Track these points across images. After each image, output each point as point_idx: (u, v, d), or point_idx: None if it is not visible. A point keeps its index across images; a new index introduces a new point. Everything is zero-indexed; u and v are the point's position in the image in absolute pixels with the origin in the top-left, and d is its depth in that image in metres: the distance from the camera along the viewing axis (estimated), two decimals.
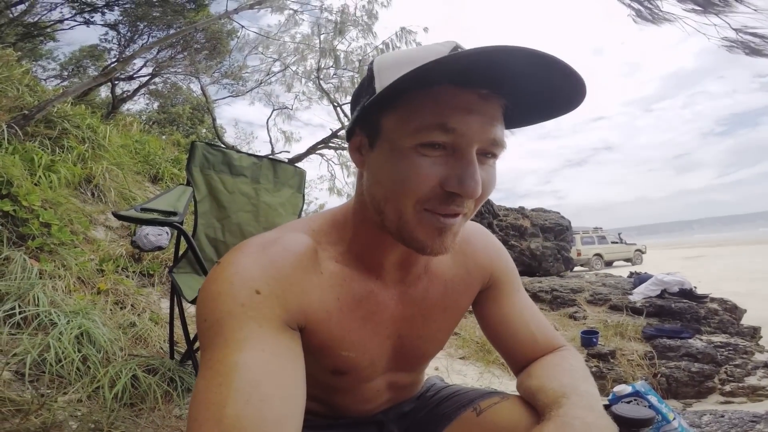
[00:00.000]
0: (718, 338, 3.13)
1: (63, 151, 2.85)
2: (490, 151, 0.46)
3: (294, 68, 8.28)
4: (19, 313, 1.39)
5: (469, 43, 0.44)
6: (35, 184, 2.29)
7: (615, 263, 14.69)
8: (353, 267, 0.55)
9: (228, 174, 1.80)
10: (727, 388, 2.64)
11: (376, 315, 0.57)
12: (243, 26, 7.57)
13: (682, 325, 3.43)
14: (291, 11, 7.00)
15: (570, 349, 0.66)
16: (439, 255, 0.48)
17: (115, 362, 1.33)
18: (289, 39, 7.85)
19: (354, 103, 0.53)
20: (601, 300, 4.25)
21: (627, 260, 15.00)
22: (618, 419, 0.66)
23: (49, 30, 7.19)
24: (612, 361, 2.90)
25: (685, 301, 3.72)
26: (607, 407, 0.78)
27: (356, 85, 0.55)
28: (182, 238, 1.34)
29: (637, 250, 15.24)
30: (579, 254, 13.06)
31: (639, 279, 4.38)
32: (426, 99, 0.43)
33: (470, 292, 0.65)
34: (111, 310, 1.89)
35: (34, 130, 2.67)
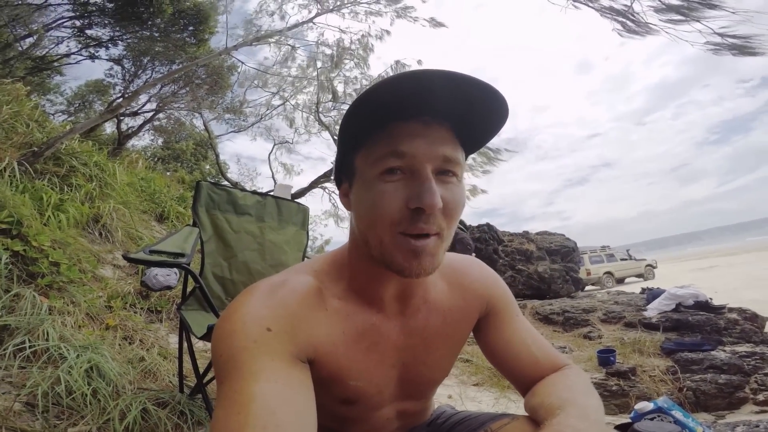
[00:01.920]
0: (743, 348, 3.04)
1: (71, 190, 2.90)
2: (446, 169, 0.51)
3: (293, 102, 8.54)
4: (30, 347, 1.38)
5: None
6: (44, 224, 2.33)
7: (627, 280, 14.44)
8: (355, 302, 0.60)
9: (233, 213, 1.83)
10: (761, 397, 2.54)
11: (380, 345, 0.60)
12: (242, 62, 7.90)
13: (702, 337, 3.34)
14: (289, 47, 7.31)
15: (573, 367, 0.67)
16: (420, 277, 0.51)
17: (125, 395, 1.30)
18: (287, 73, 8.15)
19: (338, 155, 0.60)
20: (615, 318, 4.17)
21: (638, 276, 14.74)
22: None
23: (56, 64, 7.52)
24: (633, 378, 2.80)
25: (702, 313, 3.64)
26: (629, 425, 0.76)
27: None
28: (189, 277, 1.36)
29: (648, 265, 15.01)
30: (589, 274, 12.93)
31: (652, 294, 4.31)
32: (382, 135, 0.50)
33: (469, 321, 0.68)
34: (120, 345, 1.87)
35: (43, 168, 2.74)
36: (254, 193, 1.98)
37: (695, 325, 3.49)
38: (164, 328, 2.45)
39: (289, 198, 2.17)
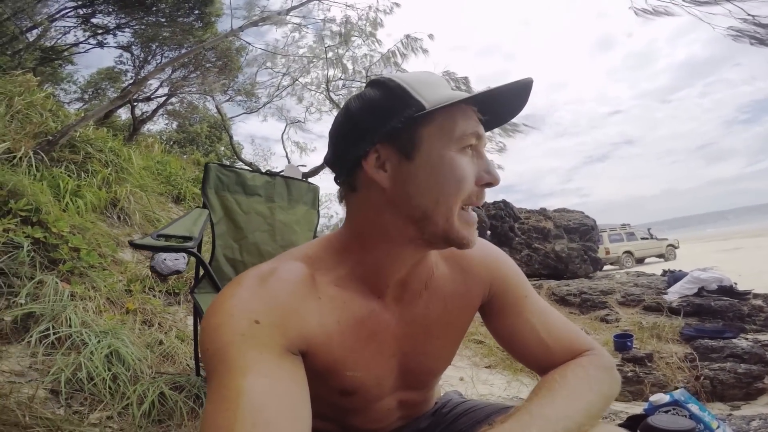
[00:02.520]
0: (766, 336, 2.95)
1: (88, 176, 2.96)
2: None
3: (303, 80, 8.45)
4: (53, 333, 1.44)
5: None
6: (63, 210, 2.38)
7: (647, 260, 14.10)
8: (353, 289, 0.57)
9: (242, 194, 1.82)
10: None
11: (378, 334, 0.58)
12: (249, 44, 7.79)
13: (723, 324, 3.25)
14: (294, 25, 7.15)
15: (592, 354, 0.63)
16: (471, 247, 0.54)
17: (143, 380, 1.34)
18: (296, 52, 8.04)
19: (372, 120, 0.54)
20: (634, 301, 4.08)
21: (659, 256, 14.36)
22: (655, 431, 0.61)
23: (66, 53, 7.56)
24: (649, 364, 2.76)
25: (725, 298, 3.53)
26: (643, 417, 0.73)
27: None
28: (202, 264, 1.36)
29: (669, 245, 14.58)
30: (608, 252, 12.61)
31: (673, 277, 4.19)
32: (458, 113, 0.53)
33: (471, 307, 0.65)
34: (139, 329, 1.93)
35: (59, 156, 2.79)
36: (263, 173, 1.97)
37: (717, 311, 3.39)
38: (182, 311, 2.52)
39: (299, 178, 2.14)
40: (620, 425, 0.76)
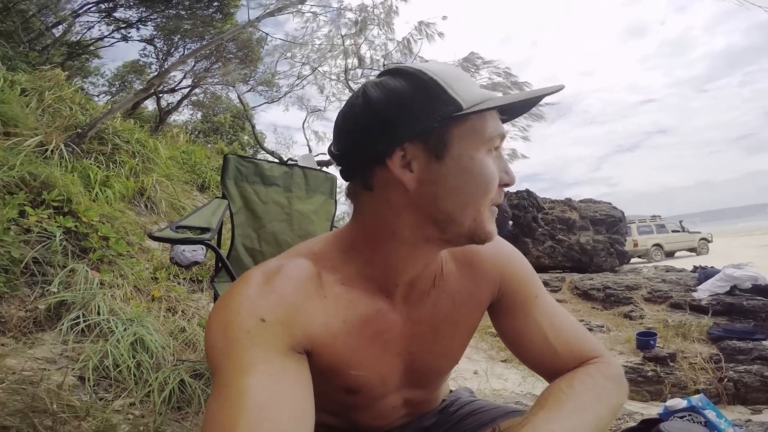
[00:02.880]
0: None
1: (116, 166, 3.08)
2: None
3: (322, 70, 8.43)
4: (83, 321, 1.52)
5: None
6: (93, 200, 2.49)
7: (677, 254, 13.49)
8: (360, 289, 0.56)
9: (261, 184, 1.85)
10: None
11: (385, 333, 0.57)
12: (267, 34, 7.81)
13: (755, 325, 3.10)
14: (311, 14, 7.10)
15: (600, 362, 0.60)
16: (493, 240, 0.54)
17: (165, 368, 1.41)
18: (313, 41, 8.02)
19: (406, 117, 0.49)
20: (661, 297, 3.93)
21: (691, 250, 13.70)
22: None
23: (92, 48, 7.80)
24: (672, 364, 2.67)
25: (759, 297, 3.36)
26: (656, 421, 0.70)
27: None
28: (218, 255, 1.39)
29: (702, 239, 13.87)
30: (636, 245, 12.06)
31: (705, 274, 4.00)
32: (488, 115, 0.52)
33: (480, 305, 0.63)
34: (164, 316, 2.02)
35: (88, 147, 2.91)
36: (281, 163, 2.00)
37: (749, 311, 3.23)
38: (205, 298, 2.61)
39: (315, 167, 2.16)
40: (632, 428, 0.74)
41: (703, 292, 3.69)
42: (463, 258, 0.62)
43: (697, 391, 2.47)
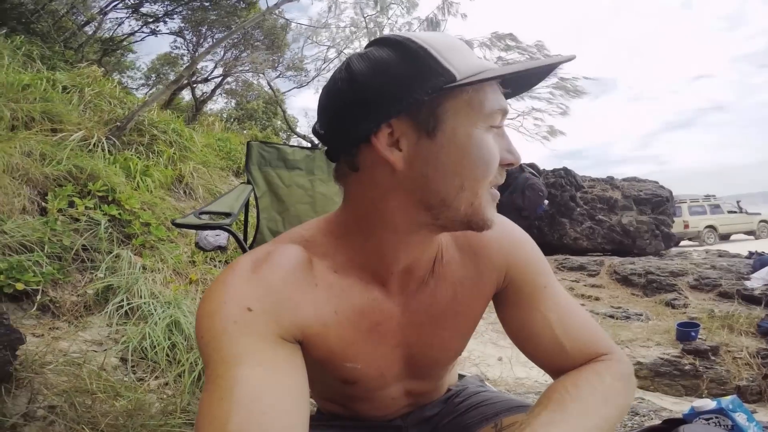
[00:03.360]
0: None
1: (155, 156, 3.25)
2: None
3: (347, 52, 8.35)
4: (127, 304, 1.65)
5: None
6: (135, 189, 2.66)
7: (733, 237, 12.40)
8: (353, 277, 0.53)
9: (284, 168, 1.90)
10: None
11: (381, 325, 0.54)
12: (288, 20, 7.83)
13: None
14: None
15: (610, 360, 0.56)
16: (491, 228, 0.50)
17: (197, 349, 1.51)
18: (337, 24, 7.92)
19: (391, 90, 0.45)
20: (709, 285, 3.66)
21: (749, 233, 12.51)
22: None
23: (125, 43, 8.11)
24: (713, 358, 2.49)
25: None
26: (679, 422, 0.65)
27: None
28: (249, 229, 1.45)
29: (762, 221, 12.63)
30: (686, 226, 11.11)
31: (761, 261, 3.67)
32: (487, 86, 0.47)
33: (483, 294, 0.59)
34: (200, 298, 2.15)
35: (128, 139, 3.08)
36: (303, 147, 2.04)
37: None
38: None
39: None
40: (654, 427, 0.70)
41: (757, 281, 3.40)
42: (467, 243, 0.58)
43: (738, 388, 2.31)
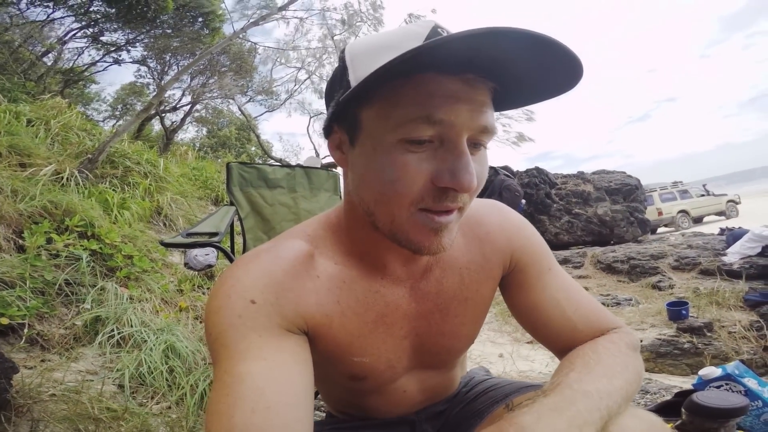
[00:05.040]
0: None
1: (130, 188, 3.17)
2: (479, 141, 0.44)
3: (318, 74, 8.48)
4: (118, 333, 1.58)
5: (471, 21, 0.37)
6: (113, 222, 2.58)
7: (705, 219, 13.03)
8: (355, 268, 0.53)
9: (265, 188, 1.90)
10: None
11: (387, 316, 0.54)
12: (255, 43, 7.89)
13: None
14: (297, 19, 7.15)
15: (619, 332, 0.57)
16: (437, 254, 0.46)
17: (196, 371, 1.46)
18: (306, 45, 8.06)
19: (328, 97, 0.49)
20: (689, 265, 3.79)
21: (719, 214, 13.18)
22: (700, 409, 0.57)
23: (86, 74, 7.95)
24: (709, 334, 2.56)
25: None
26: (690, 392, 0.68)
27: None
28: (235, 255, 1.45)
29: (729, 201, 13.32)
30: (660, 213, 11.66)
31: (732, 236, 3.84)
32: (407, 88, 0.40)
33: (491, 279, 0.59)
34: (192, 324, 2.08)
35: (101, 172, 3.00)
36: (283, 165, 2.04)
37: None
38: None
39: (318, 168, 2.21)
40: (667, 402, 0.71)
41: (733, 256, 3.54)
42: (471, 231, 0.58)
43: (742, 362, 2.37)
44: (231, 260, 1.38)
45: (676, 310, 2.73)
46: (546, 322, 0.57)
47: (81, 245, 2.03)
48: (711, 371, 1.27)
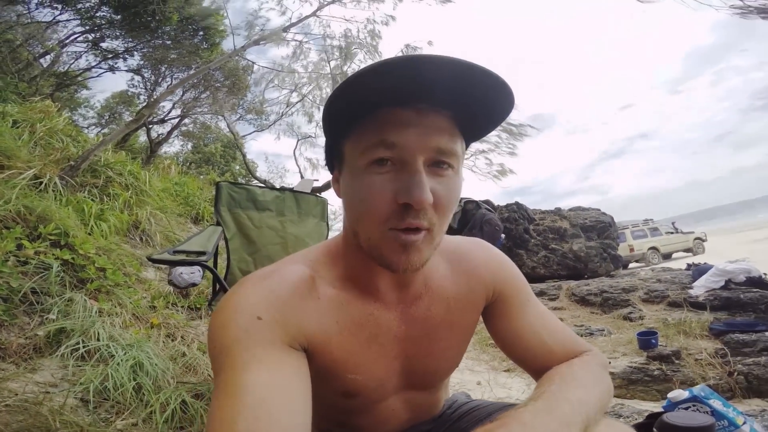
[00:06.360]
0: None
1: (110, 199, 3.10)
2: (441, 161, 0.49)
3: (311, 97, 8.62)
4: (83, 347, 1.51)
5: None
6: (88, 234, 2.50)
7: (674, 255, 13.62)
8: (351, 291, 0.58)
9: (254, 210, 1.90)
10: None
11: (379, 337, 0.58)
12: (253, 62, 8.01)
13: (756, 317, 3.11)
14: (297, 42, 7.34)
15: (590, 354, 0.63)
16: (407, 272, 0.50)
17: (167, 389, 1.40)
18: (301, 69, 8.22)
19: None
20: (658, 297, 3.95)
21: (687, 251, 13.84)
22: (671, 429, 0.61)
23: (80, 79, 7.85)
24: (677, 362, 2.65)
25: (755, 290, 3.38)
26: (661, 414, 0.72)
27: None
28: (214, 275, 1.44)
29: (696, 239, 14.06)
30: (632, 250, 12.33)
31: (698, 271, 4.04)
32: (371, 122, 0.47)
33: (475, 309, 0.65)
34: (163, 342, 2.00)
35: (82, 180, 2.93)
36: (272, 188, 2.05)
37: (748, 304, 3.26)
38: (204, 325, 2.58)
39: (309, 192, 2.22)
40: (639, 424, 0.75)
41: (698, 289, 3.71)
42: (458, 264, 0.64)
43: (709, 387, 2.44)
44: (218, 279, 1.37)
45: (646, 339, 2.81)
46: (525, 346, 0.63)
47: (53, 254, 1.95)
48: (679, 394, 1.32)
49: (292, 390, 0.45)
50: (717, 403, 1.28)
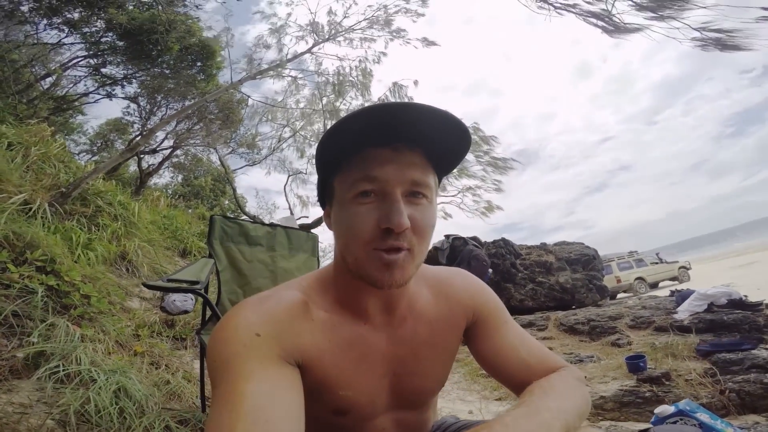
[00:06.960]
0: None
1: (98, 229, 3.08)
2: (416, 191, 0.56)
3: (303, 133, 8.80)
4: (63, 370, 1.47)
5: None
6: (75, 261, 2.47)
7: (661, 284, 13.86)
8: (342, 314, 0.62)
9: (245, 244, 1.94)
10: None
11: (369, 356, 0.63)
12: (249, 96, 8.20)
13: (740, 336, 3.17)
14: (291, 77, 7.61)
15: (567, 368, 0.68)
16: (392, 288, 0.55)
17: (150, 414, 1.35)
18: (293, 104, 8.45)
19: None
20: (644, 323, 3.99)
21: (673, 279, 14.15)
22: None
23: (77, 103, 7.83)
24: (667, 383, 2.65)
25: (737, 311, 3.46)
26: (647, 430, 0.76)
27: None
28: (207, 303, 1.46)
29: (681, 267, 14.37)
30: (619, 281, 12.52)
31: (681, 296, 4.12)
32: (357, 160, 0.55)
33: (456, 330, 0.70)
34: (147, 369, 1.94)
35: (71, 208, 2.92)
36: (264, 224, 2.10)
37: (731, 325, 3.32)
38: (189, 355, 2.52)
39: (296, 228, 2.29)
40: None
41: (683, 313, 3.77)
42: (438, 289, 0.70)
43: (703, 406, 2.43)
44: (211, 307, 1.40)
45: (635, 363, 2.82)
46: (505, 363, 0.68)
47: (38, 279, 1.93)
48: (665, 409, 1.34)
49: (287, 400, 0.48)
50: (704, 416, 1.30)
